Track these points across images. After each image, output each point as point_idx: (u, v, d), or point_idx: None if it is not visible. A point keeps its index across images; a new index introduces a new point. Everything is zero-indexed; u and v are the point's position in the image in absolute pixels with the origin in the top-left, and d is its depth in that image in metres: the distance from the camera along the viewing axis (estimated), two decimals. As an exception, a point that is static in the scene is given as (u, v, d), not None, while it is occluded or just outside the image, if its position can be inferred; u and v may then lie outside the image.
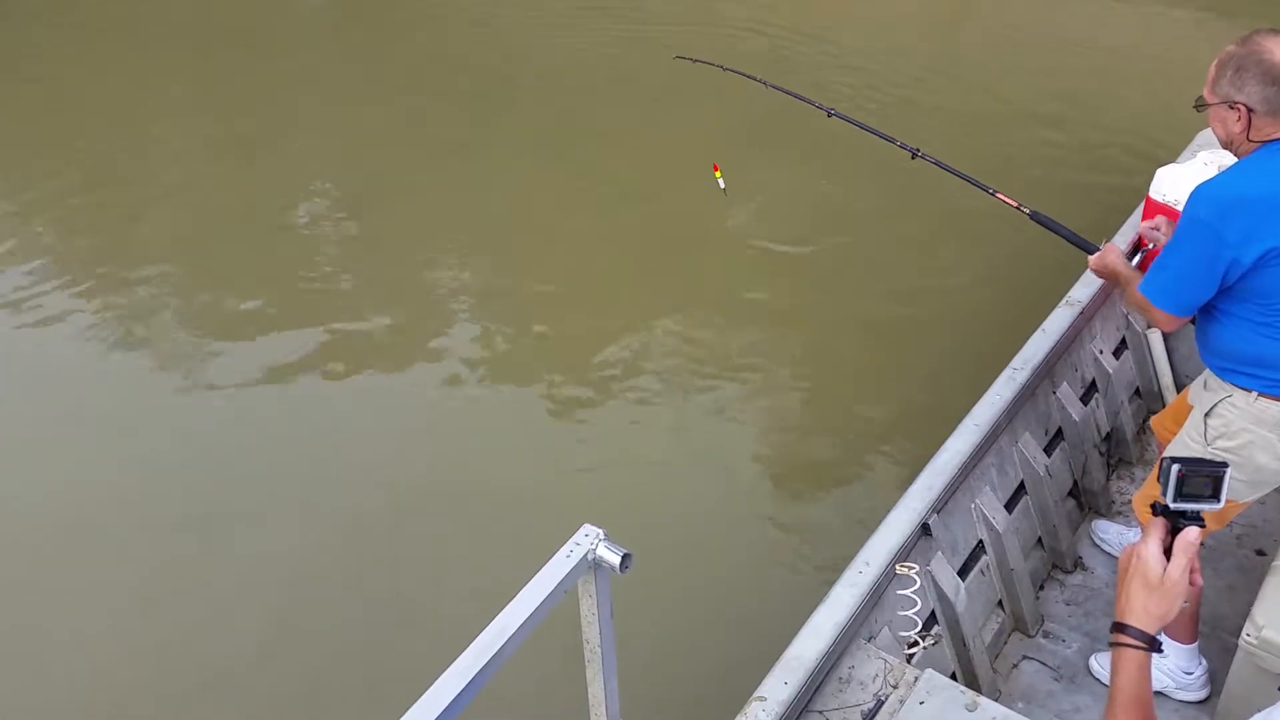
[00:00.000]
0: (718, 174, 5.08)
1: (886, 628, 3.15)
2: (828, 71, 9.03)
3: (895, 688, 2.92)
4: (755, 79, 4.89)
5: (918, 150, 4.20)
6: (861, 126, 4.40)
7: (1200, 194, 2.77)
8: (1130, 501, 4.22)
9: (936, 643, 3.22)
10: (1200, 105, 2.87)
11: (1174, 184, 4.28)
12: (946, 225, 6.70)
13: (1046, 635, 3.73)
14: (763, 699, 2.74)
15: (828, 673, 2.93)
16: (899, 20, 10.33)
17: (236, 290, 6.40)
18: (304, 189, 7.62)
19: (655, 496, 4.86)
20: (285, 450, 5.23)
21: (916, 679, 2.90)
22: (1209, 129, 2.94)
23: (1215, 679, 3.38)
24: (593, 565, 1.77)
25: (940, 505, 3.39)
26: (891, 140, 4.32)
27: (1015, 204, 3.90)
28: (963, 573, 3.51)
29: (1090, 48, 9.47)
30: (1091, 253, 3.45)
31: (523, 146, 7.99)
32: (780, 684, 2.77)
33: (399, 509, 4.81)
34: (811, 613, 2.95)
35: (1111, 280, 3.44)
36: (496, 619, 1.67)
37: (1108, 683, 3.42)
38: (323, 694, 4.04)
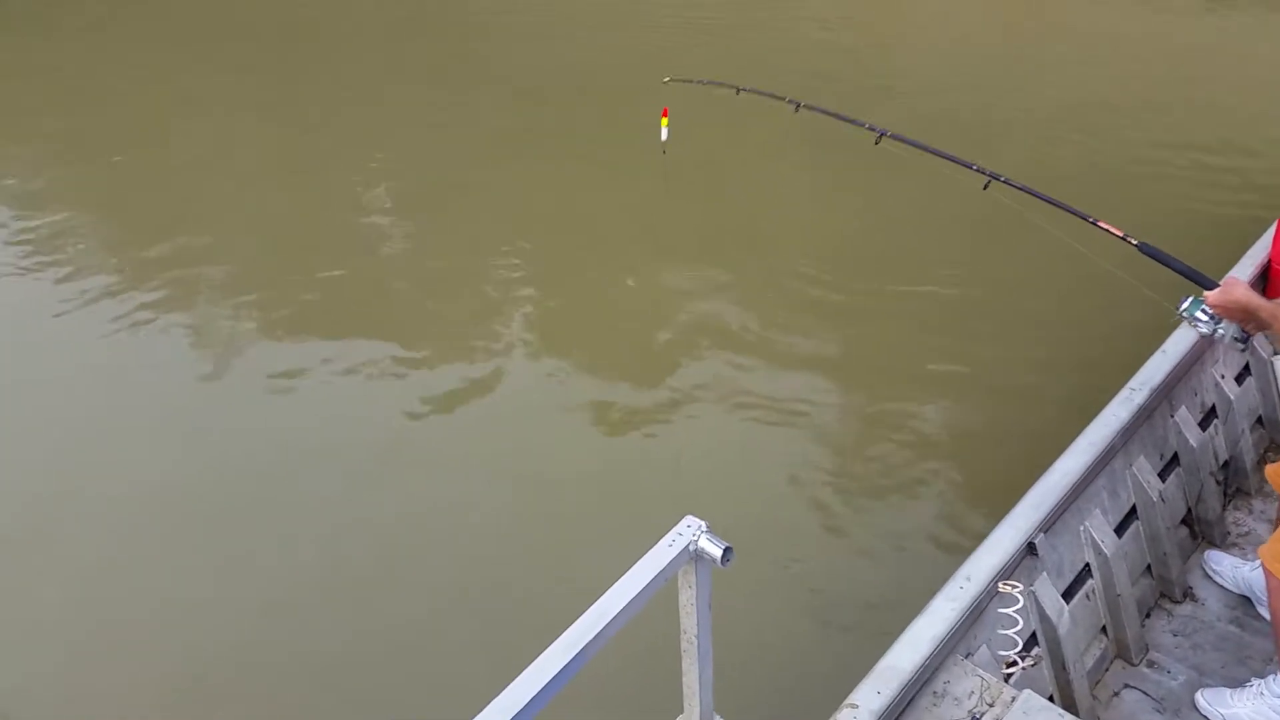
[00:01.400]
0: (664, 121, 5.03)
1: (985, 645, 3.08)
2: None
3: (991, 706, 2.86)
4: (783, 98, 4.80)
5: (995, 175, 3.97)
6: (936, 153, 4.15)
7: None
8: (1247, 534, 4.06)
9: (1036, 664, 3.15)
10: None
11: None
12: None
13: (1151, 665, 3.61)
14: (854, 706, 2.71)
15: (922, 686, 2.88)
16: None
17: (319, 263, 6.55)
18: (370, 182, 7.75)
19: (749, 493, 4.85)
20: (396, 444, 5.34)
21: (1014, 699, 2.83)
22: None
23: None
24: (694, 556, 1.78)
25: (1048, 525, 3.30)
26: (967, 165, 4.06)
27: (1121, 234, 3.69)
28: (1067, 595, 3.41)
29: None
30: (1210, 288, 3.24)
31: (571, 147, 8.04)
32: (873, 693, 2.74)
33: (507, 501, 4.89)
34: (909, 624, 2.91)
35: (1241, 316, 3.20)
36: (598, 601, 1.69)
37: (1213, 720, 3.33)
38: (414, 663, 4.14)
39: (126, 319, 6.26)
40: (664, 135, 5.05)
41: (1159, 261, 3.52)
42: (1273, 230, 4.56)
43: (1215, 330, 3.25)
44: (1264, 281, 4.56)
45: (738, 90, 5.01)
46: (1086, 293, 5.99)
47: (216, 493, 4.96)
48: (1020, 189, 3.89)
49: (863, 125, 4.46)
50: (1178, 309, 3.30)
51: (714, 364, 5.72)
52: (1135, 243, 3.60)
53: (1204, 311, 3.25)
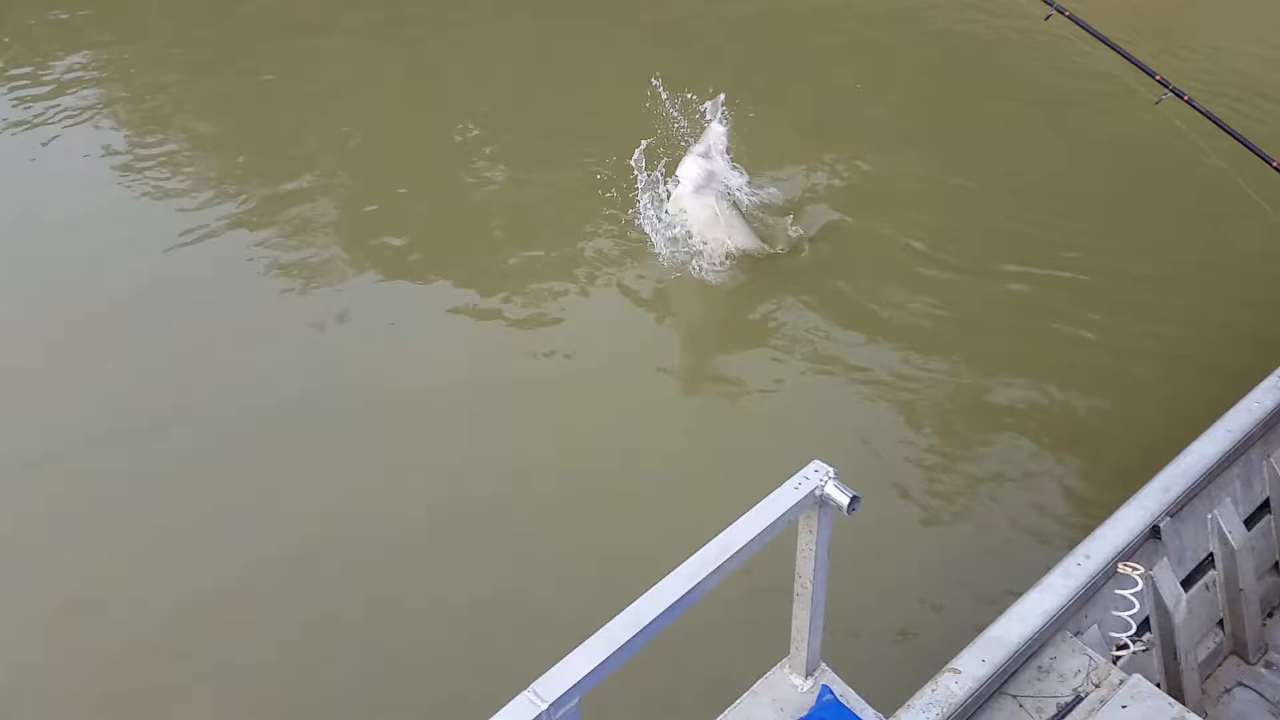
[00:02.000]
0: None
1: (1096, 625, 3.01)
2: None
3: (1097, 686, 2.80)
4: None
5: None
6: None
7: None
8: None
9: (1147, 650, 3.06)
10: None
11: None
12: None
13: (1269, 666, 3.48)
14: (957, 671, 2.68)
15: (1028, 658, 2.83)
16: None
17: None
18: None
19: (874, 442, 4.80)
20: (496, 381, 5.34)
21: (1121, 682, 2.77)
22: None
23: None
24: (819, 501, 1.75)
25: (1175, 510, 3.19)
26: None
27: None
28: (1187, 583, 3.30)
29: None
30: None
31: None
32: (978, 660, 2.70)
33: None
34: (1021, 596, 2.85)
35: None
36: (722, 534, 1.69)
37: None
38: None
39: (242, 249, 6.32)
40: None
41: None
42: None
43: None
44: None
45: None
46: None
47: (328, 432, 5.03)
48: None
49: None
50: None
51: (815, 331, 5.56)
52: None
53: None
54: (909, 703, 2.60)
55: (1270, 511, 3.60)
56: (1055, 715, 2.75)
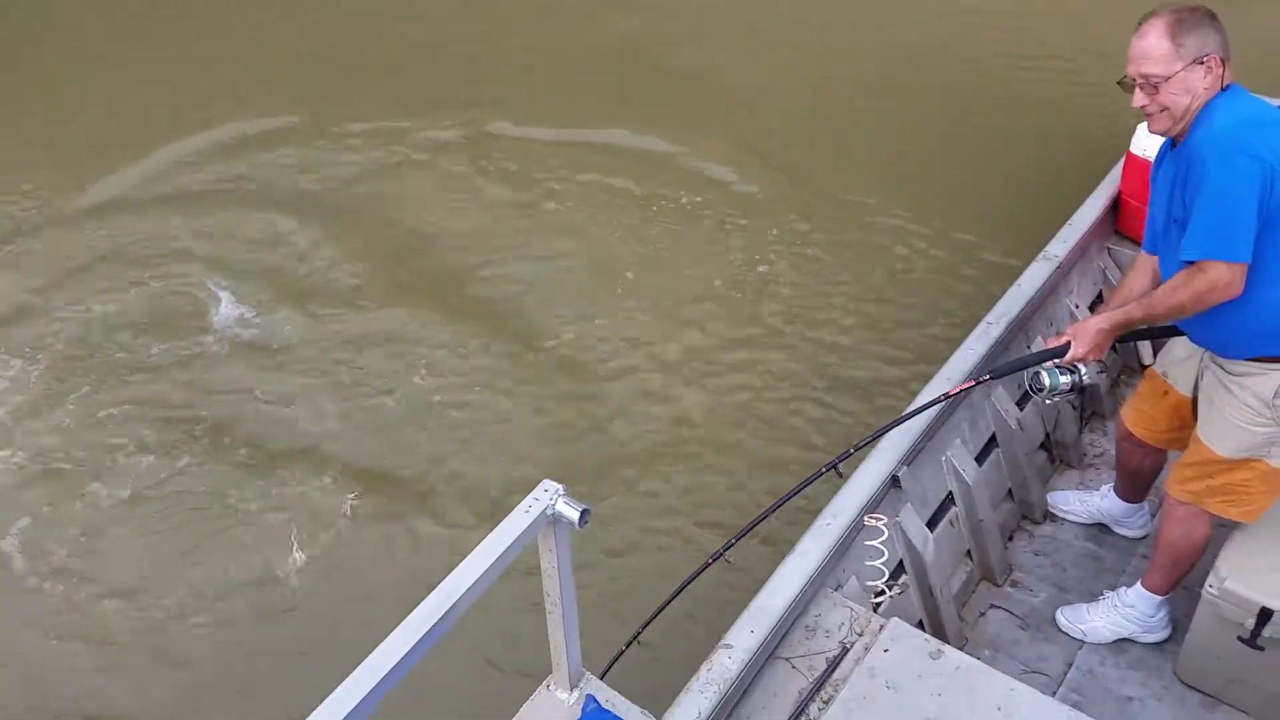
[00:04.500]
0: None
1: (854, 577, 3.21)
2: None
3: (860, 635, 2.99)
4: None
5: None
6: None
7: (1220, 129, 2.73)
8: (1101, 455, 4.28)
9: (903, 592, 3.29)
10: (1148, 81, 2.79)
11: (1156, 139, 4.28)
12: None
13: (1014, 585, 3.80)
14: (729, 646, 2.80)
15: (794, 621, 2.99)
16: None
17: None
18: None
19: (610, 450, 4.91)
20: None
21: (882, 627, 2.96)
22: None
23: (1179, 625, 3.46)
24: (552, 520, 1.80)
25: (910, 458, 3.44)
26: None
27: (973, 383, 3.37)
28: (931, 524, 3.56)
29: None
30: (1064, 354, 3.03)
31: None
32: (747, 632, 2.84)
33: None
34: (779, 564, 3.01)
35: (1105, 341, 3.02)
36: (456, 569, 1.71)
37: (1074, 635, 3.52)
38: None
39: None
40: None
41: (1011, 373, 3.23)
42: (1121, 164, 4.73)
43: (1079, 379, 3.05)
44: (1114, 214, 4.75)
45: None
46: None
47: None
48: None
49: None
50: (1045, 400, 3.12)
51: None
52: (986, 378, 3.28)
53: (1066, 373, 3.06)
54: (687, 686, 2.70)
55: (998, 445, 3.93)
56: (825, 669, 2.92)
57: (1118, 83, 2.90)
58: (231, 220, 6.64)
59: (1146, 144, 4.49)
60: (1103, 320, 3.00)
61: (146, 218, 6.70)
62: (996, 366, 3.25)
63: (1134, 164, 4.59)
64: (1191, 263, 2.77)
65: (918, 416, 3.39)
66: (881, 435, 3.24)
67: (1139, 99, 2.85)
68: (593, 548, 4.32)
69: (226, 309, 5.84)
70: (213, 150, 7.47)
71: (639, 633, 2.74)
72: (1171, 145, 2.97)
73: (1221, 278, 2.71)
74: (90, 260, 6.32)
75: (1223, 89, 2.81)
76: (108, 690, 3.98)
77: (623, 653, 2.74)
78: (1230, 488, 3.09)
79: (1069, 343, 3.01)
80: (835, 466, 3.07)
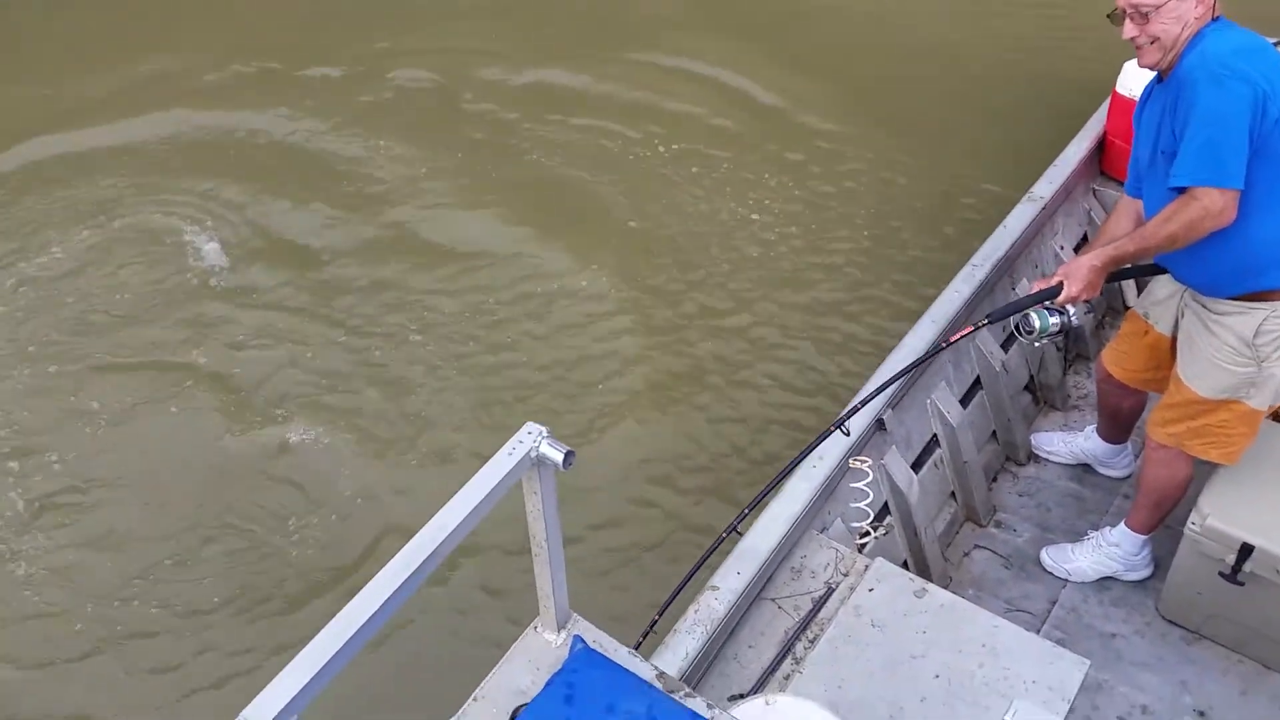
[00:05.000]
0: None
1: (839, 519, 3.23)
2: None
3: (846, 575, 3.02)
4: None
5: None
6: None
7: (1212, 54, 2.70)
8: (1085, 396, 4.30)
9: (888, 533, 3.31)
10: (1139, 11, 2.76)
11: (1142, 77, 4.25)
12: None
13: (999, 525, 3.83)
14: (716, 588, 2.83)
15: (780, 563, 3.02)
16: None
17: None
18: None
19: (596, 398, 4.91)
20: None
21: (867, 567, 2.99)
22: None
23: (1161, 563, 3.50)
24: (536, 462, 1.80)
25: (895, 401, 3.45)
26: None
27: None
28: (916, 466, 3.58)
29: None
30: (1057, 294, 2.97)
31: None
32: (734, 574, 2.86)
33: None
34: (765, 507, 3.03)
35: (1097, 279, 2.97)
36: (439, 513, 1.70)
37: (1058, 575, 3.56)
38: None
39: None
40: None
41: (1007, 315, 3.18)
42: (1107, 104, 4.70)
43: (1069, 320, 3.05)
44: (1099, 154, 4.73)
45: None
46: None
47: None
48: None
49: None
50: (1035, 344, 3.13)
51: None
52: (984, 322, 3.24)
53: (1055, 314, 3.05)
54: (675, 628, 2.73)
55: (982, 387, 3.94)
56: (811, 609, 2.95)
57: (1107, 15, 2.88)
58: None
59: (1132, 83, 4.46)
60: (1094, 258, 2.95)
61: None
62: (993, 310, 3.20)
63: (1119, 104, 4.56)
64: (1182, 192, 2.73)
65: (902, 359, 3.40)
66: (886, 388, 3.20)
67: (1129, 30, 2.82)
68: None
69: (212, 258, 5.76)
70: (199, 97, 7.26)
71: (667, 604, 2.77)
72: (1159, 80, 2.95)
73: (1214, 204, 2.66)
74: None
75: (1213, 19, 2.79)
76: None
77: (655, 622, 2.77)
78: (1210, 429, 3.10)
79: (1061, 283, 2.96)
80: (842, 425, 3.04)
